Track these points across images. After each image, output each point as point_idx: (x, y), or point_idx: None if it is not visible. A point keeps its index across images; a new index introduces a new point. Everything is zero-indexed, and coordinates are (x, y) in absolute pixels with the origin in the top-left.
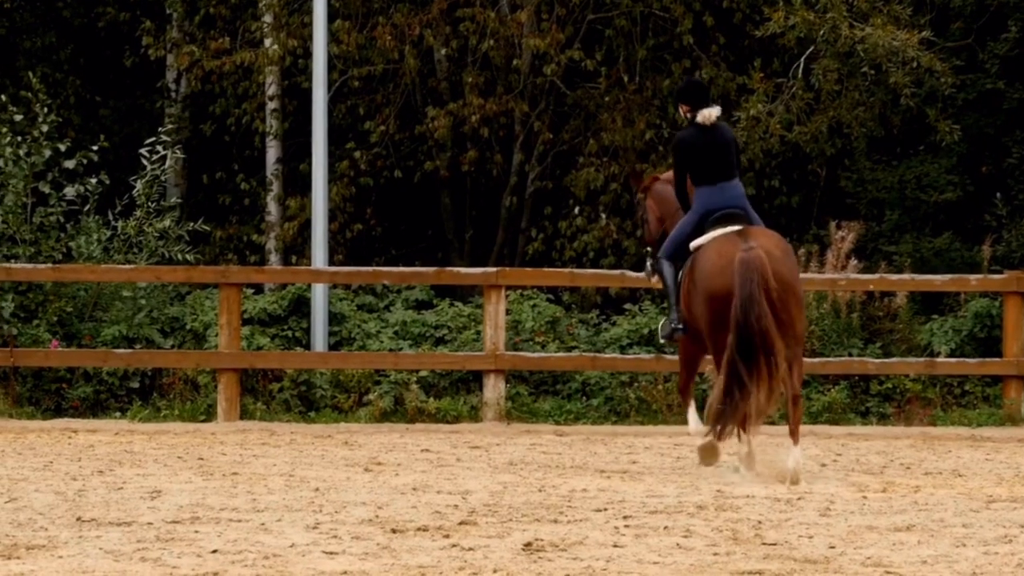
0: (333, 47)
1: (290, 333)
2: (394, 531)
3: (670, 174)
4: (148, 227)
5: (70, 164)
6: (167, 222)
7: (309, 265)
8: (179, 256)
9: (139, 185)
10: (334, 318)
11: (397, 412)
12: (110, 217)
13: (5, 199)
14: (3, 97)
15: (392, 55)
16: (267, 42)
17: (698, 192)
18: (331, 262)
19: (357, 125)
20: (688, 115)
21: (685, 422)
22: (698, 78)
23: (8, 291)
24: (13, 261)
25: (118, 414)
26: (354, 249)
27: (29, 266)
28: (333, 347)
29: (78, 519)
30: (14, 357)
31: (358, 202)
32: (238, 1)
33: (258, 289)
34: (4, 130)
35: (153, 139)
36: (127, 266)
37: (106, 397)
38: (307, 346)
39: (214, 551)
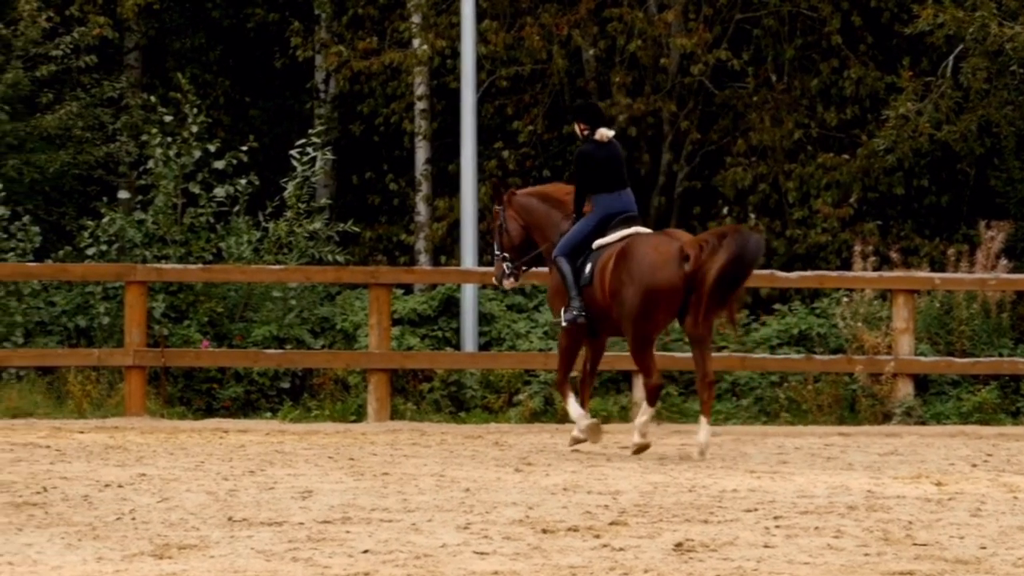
0: (481, 47)
1: (440, 333)
2: (545, 531)
3: (529, 189)
4: (298, 228)
5: (220, 165)
6: (317, 223)
7: (458, 265)
8: (329, 257)
9: (289, 186)
10: (484, 318)
11: (547, 412)
12: (260, 218)
13: (156, 200)
14: (153, 98)
15: (540, 55)
16: (415, 42)
17: (597, 199)
18: (480, 262)
19: (505, 125)
20: (585, 133)
21: (836, 422)
22: (594, 100)
23: (159, 292)
24: (164, 262)
25: (269, 414)
26: None
27: (180, 267)
28: (483, 347)
29: (229, 519)
30: (165, 357)
31: None
32: (386, 1)
33: (408, 289)
34: (154, 131)
35: (303, 140)
36: (277, 267)
37: (257, 397)
38: (457, 346)
39: (365, 551)
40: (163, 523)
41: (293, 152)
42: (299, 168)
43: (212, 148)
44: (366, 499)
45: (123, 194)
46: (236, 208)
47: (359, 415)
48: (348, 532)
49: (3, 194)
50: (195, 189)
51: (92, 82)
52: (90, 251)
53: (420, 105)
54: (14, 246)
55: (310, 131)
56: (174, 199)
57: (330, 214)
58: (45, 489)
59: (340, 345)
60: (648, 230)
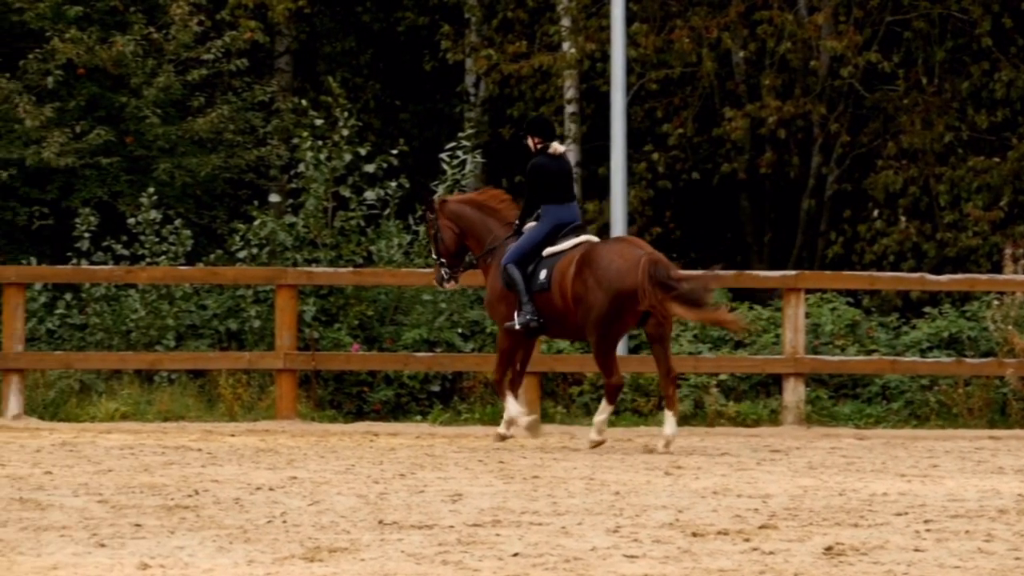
0: (631, 50)
1: None
2: (694, 535)
3: (461, 196)
4: None
5: (370, 168)
6: None
7: None
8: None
9: (439, 189)
10: None
11: (697, 415)
12: (410, 221)
13: (306, 204)
14: (304, 102)
15: (690, 58)
16: (565, 46)
17: (548, 209)
18: None
19: (655, 128)
20: (538, 146)
21: (987, 425)
22: (546, 116)
23: (310, 295)
24: (314, 265)
25: (419, 417)
26: None
27: (330, 270)
28: (633, 351)
29: (380, 522)
30: (316, 360)
31: (657, 205)
32: (536, 5)
33: None
34: (305, 135)
35: (453, 143)
36: (427, 270)
37: (407, 400)
38: None
39: (515, 554)
40: (314, 526)
41: (443, 155)
42: (449, 171)
43: (363, 152)
44: (516, 502)
45: (274, 197)
46: (386, 211)
47: None
48: (498, 535)
49: (155, 198)
50: (345, 192)
51: (243, 86)
52: (241, 254)
53: (570, 108)
54: (166, 250)
55: (460, 134)
56: (324, 203)
57: None
58: (197, 492)
59: (490, 348)
60: (596, 238)
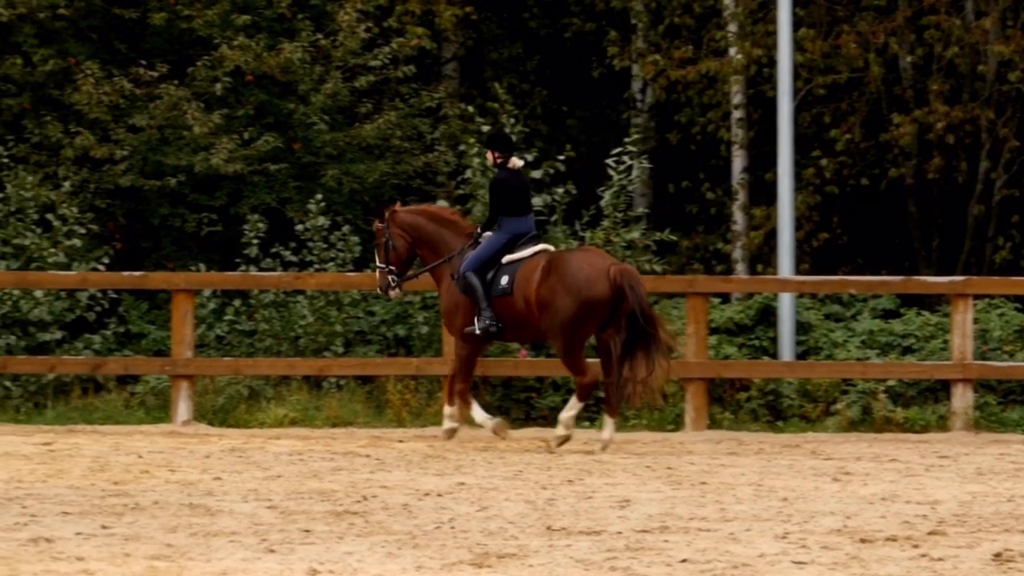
0: (798, 56)
1: (757, 342)
2: (863, 541)
3: (412, 207)
4: (615, 237)
5: (537, 174)
6: (634, 232)
7: (775, 274)
8: (646, 266)
9: (606, 195)
10: (801, 327)
11: (865, 422)
12: (577, 227)
13: (473, 209)
14: (471, 108)
15: (857, 63)
16: (732, 51)
17: (505, 221)
18: (797, 271)
19: (822, 133)
20: (498, 161)
21: None
22: (505, 131)
23: None
24: None
25: (587, 423)
26: (820, 258)
27: None
28: (800, 356)
29: (548, 528)
30: (484, 367)
31: (824, 210)
32: (702, 11)
33: (725, 298)
34: (472, 141)
35: (619, 149)
36: None
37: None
38: (774, 355)
39: (683, 560)
40: (482, 532)
41: (609, 161)
42: (616, 177)
43: (530, 157)
44: (684, 508)
45: (441, 203)
46: (554, 217)
47: (677, 424)
48: (666, 541)
49: (323, 204)
50: None
51: (410, 92)
52: None
53: (736, 114)
54: (334, 256)
55: (626, 140)
56: None
57: (647, 223)
58: (365, 498)
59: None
60: (553, 248)
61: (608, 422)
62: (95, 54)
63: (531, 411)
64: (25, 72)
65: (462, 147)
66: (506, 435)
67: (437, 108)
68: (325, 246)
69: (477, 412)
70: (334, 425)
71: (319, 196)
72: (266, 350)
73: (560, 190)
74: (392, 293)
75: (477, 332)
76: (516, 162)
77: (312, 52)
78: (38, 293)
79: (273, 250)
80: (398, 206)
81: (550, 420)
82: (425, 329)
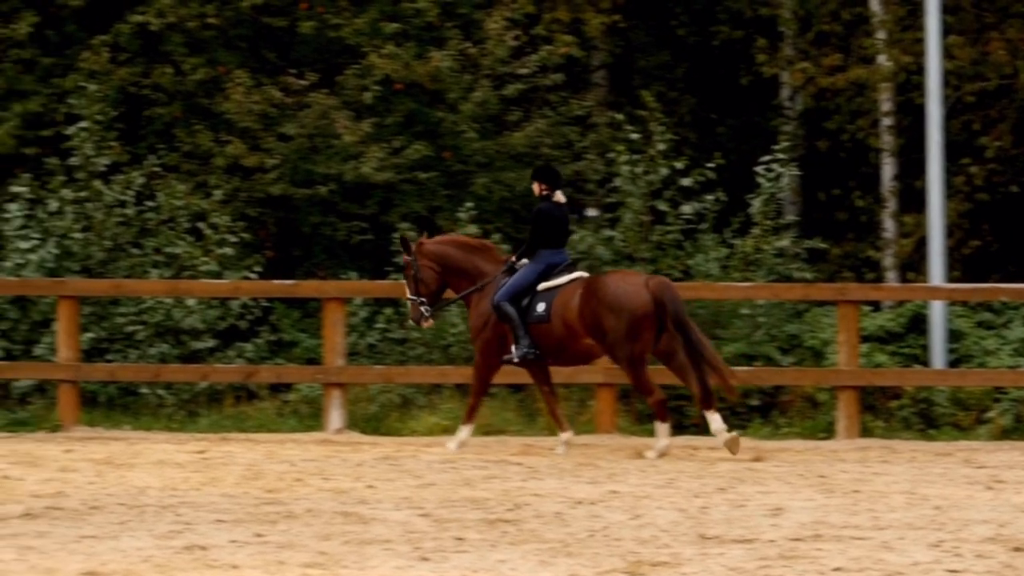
0: (946, 63)
1: (908, 350)
2: (1016, 549)
3: (439, 238)
4: (765, 245)
5: (687, 182)
6: (784, 240)
7: (926, 282)
8: (796, 274)
9: (755, 203)
10: (952, 335)
11: (1018, 430)
12: (727, 235)
13: (623, 218)
14: (620, 116)
15: (1006, 70)
16: (880, 58)
17: (543, 252)
18: (948, 278)
19: (972, 140)
20: (544, 192)
21: None
22: (553, 164)
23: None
24: None
25: (739, 431)
26: (971, 265)
27: None
28: (952, 364)
29: (701, 536)
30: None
31: (974, 218)
32: (851, 18)
33: (875, 306)
34: (621, 148)
35: (768, 157)
36: (745, 284)
37: (726, 415)
38: (925, 363)
39: (836, 569)
40: (635, 540)
41: (759, 169)
42: (765, 185)
43: (679, 165)
44: (837, 516)
45: (591, 211)
46: (703, 225)
47: (828, 432)
48: (819, 550)
49: (473, 212)
50: (662, 206)
51: (559, 100)
52: None
53: (886, 121)
54: None
55: (775, 147)
56: (642, 216)
57: (797, 231)
58: (518, 506)
59: (809, 362)
60: (586, 274)
61: (661, 428)
62: (244, 63)
63: (682, 419)
64: (176, 81)
65: (611, 155)
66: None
67: (586, 116)
68: None
69: (464, 431)
70: (486, 433)
71: (469, 204)
72: (418, 358)
73: (710, 198)
74: (425, 324)
75: (516, 360)
76: (560, 196)
77: (461, 60)
78: (191, 302)
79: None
80: (424, 237)
81: (701, 429)
82: None
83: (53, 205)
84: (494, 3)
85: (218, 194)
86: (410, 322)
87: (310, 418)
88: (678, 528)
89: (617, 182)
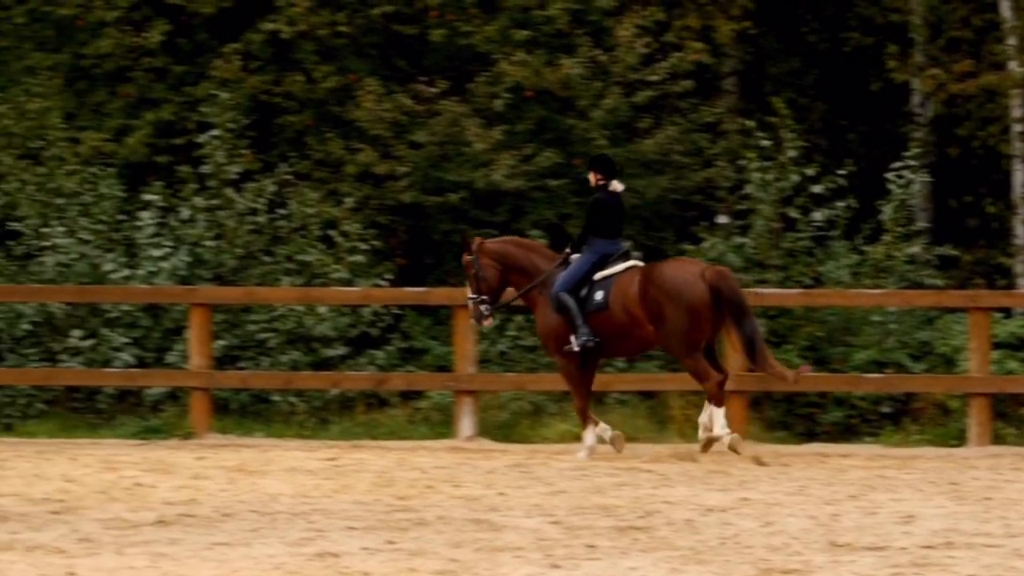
0: None
1: None
2: None
3: (496, 239)
4: (896, 251)
5: (817, 189)
6: (915, 247)
7: None
8: (927, 280)
9: (886, 210)
10: None
11: None
12: (857, 241)
13: (754, 225)
14: (750, 123)
15: None
16: (1011, 64)
17: (597, 241)
18: None
19: None
20: (600, 182)
21: None
22: (608, 155)
23: (758, 316)
24: (763, 286)
25: (869, 439)
26: None
27: (779, 291)
28: None
29: (832, 544)
30: (766, 382)
31: None
32: (982, 24)
33: (1007, 313)
34: (752, 156)
35: (899, 163)
36: (876, 291)
37: (857, 422)
38: None
39: None
40: (766, 547)
41: (889, 175)
42: (896, 191)
43: (810, 172)
44: (968, 524)
45: (722, 219)
46: (834, 232)
47: (960, 439)
48: (951, 557)
49: None
50: (793, 213)
51: (689, 107)
52: None
53: (1017, 127)
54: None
55: (905, 154)
56: (772, 223)
57: (928, 238)
58: (649, 513)
59: (940, 369)
60: (641, 263)
61: (717, 414)
62: (375, 71)
63: (814, 426)
64: (307, 89)
65: (742, 162)
66: (622, 448)
67: (716, 123)
68: None
69: (588, 436)
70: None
71: None
72: (549, 365)
73: (840, 204)
74: (485, 322)
75: (576, 348)
76: (617, 186)
77: (591, 67)
78: (322, 309)
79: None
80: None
81: (833, 436)
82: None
83: (185, 213)
84: (624, 10)
85: (349, 202)
86: (471, 321)
87: (441, 425)
88: (809, 535)
89: (748, 189)
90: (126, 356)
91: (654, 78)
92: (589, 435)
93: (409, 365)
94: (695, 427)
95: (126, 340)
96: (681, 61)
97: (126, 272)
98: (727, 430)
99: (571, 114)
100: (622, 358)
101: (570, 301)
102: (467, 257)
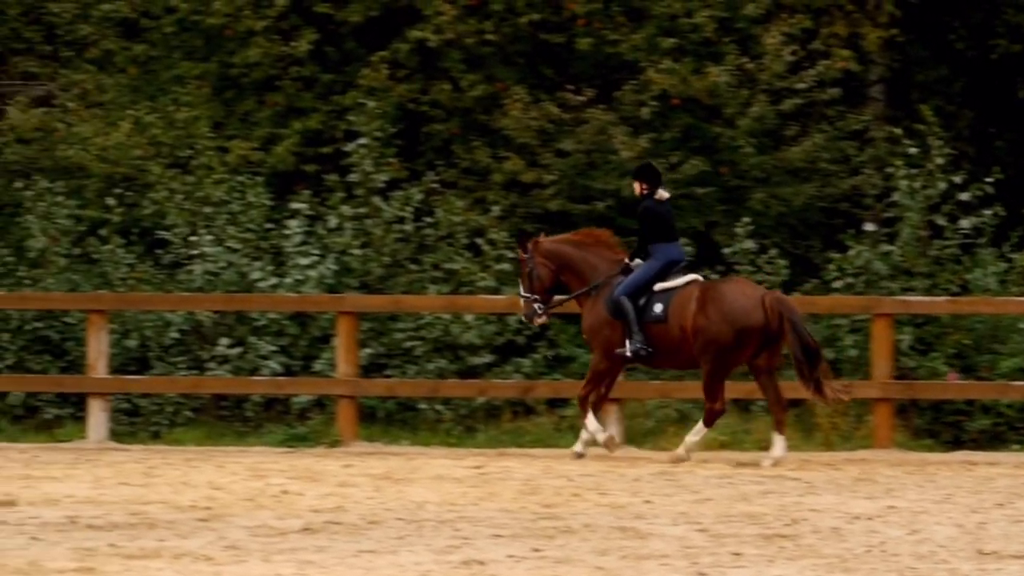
0: None
1: None
2: None
3: (555, 237)
4: None
5: (965, 196)
6: None
7: None
8: None
9: None
10: None
11: None
12: (1005, 249)
13: (901, 232)
14: (898, 130)
15: None
16: None
17: (659, 247)
18: None
19: None
20: (645, 191)
21: None
22: (653, 163)
23: (905, 324)
24: (910, 294)
25: (1016, 446)
26: None
27: (926, 299)
28: None
29: (979, 552)
30: (913, 390)
31: None
32: None
33: None
34: (899, 163)
35: None
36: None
37: (1004, 430)
38: None
39: None
40: (912, 555)
41: None
42: None
43: (957, 180)
44: None
45: (869, 227)
46: (981, 239)
47: None
48: None
49: (750, 227)
50: (940, 221)
51: (836, 115)
52: (836, 284)
53: None
54: (761, 279)
55: None
56: (920, 231)
57: None
58: (795, 521)
59: None
60: (701, 278)
61: (778, 439)
62: (522, 79)
63: (960, 434)
64: (453, 98)
65: (888, 169)
66: (615, 450)
67: (863, 130)
68: (753, 269)
69: (591, 423)
70: (763, 448)
71: (746, 219)
72: (695, 374)
73: (988, 212)
74: (538, 321)
75: (628, 354)
76: (662, 194)
77: (738, 75)
78: (468, 317)
79: (701, 273)
80: (542, 236)
81: (980, 443)
82: (854, 352)
83: (332, 221)
84: (772, 18)
85: (496, 210)
86: (522, 319)
87: None
88: (956, 543)
89: (895, 197)
90: (273, 364)
91: (801, 86)
92: (591, 421)
93: (555, 373)
94: (841, 435)
95: (273, 348)
96: (828, 69)
97: (273, 280)
98: (692, 450)
99: (717, 122)
100: (666, 370)
101: (629, 307)
102: (522, 256)
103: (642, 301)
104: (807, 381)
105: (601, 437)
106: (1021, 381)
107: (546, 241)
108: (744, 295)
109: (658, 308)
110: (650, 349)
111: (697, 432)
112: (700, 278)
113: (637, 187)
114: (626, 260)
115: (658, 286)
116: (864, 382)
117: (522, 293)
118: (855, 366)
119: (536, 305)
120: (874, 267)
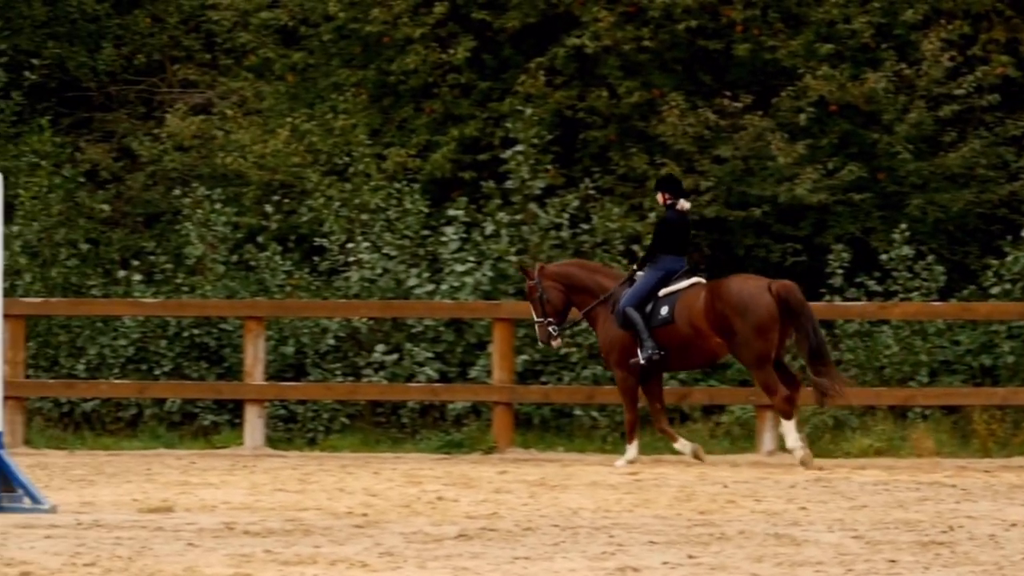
0: None
1: None
2: None
3: (558, 263)
4: None
5: None
6: None
7: None
8: None
9: None
10: None
11: None
12: None
13: None
14: None
15: None
16: None
17: (662, 258)
18: None
19: None
20: (668, 201)
21: None
22: (675, 174)
23: None
24: None
25: None
26: None
27: None
28: None
29: None
30: (1018, 396)
31: None
32: None
33: None
34: None
35: None
36: None
37: None
38: None
39: None
40: None
41: None
42: None
43: None
44: None
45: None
46: None
47: None
48: None
49: (907, 234)
50: None
51: (995, 120)
52: (994, 290)
53: None
54: (918, 285)
55: None
56: None
57: None
58: (951, 528)
59: None
60: (704, 280)
61: (788, 426)
62: (679, 85)
63: None
64: (610, 104)
65: None
66: (703, 459)
67: (1022, 136)
68: (910, 275)
69: (631, 450)
70: (920, 455)
71: (903, 226)
72: (851, 379)
73: None
74: (555, 343)
75: (642, 361)
76: (684, 204)
77: (896, 81)
78: None
79: (857, 279)
80: (542, 263)
81: None
82: (1011, 358)
83: (489, 228)
84: (930, 24)
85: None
86: (540, 343)
87: (743, 440)
88: None
89: None
90: (429, 371)
91: (959, 91)
92: (632, 450)
93: (712, 379)
94: (998, 442)
95: (429, 355)
96: (987, 74)
97: (430, 287)
98: (800, 444)
99: (875, 128)
100: (685, 371)
101: (636, 316)
102: (530, 283)
103: (648, 308)
104: (818, 373)
105: (688, 449)
106: None
107: (551, 266)
108: (749, 285)
109: (664, 311)
110: (662, 352)
111: (789, 431)
112: (703, 280)
113: (660, 197)
114: (635, 267)
115: (662, 291)
116: (1018, 389)
117: (535, 318)
118: (1013, 372)
119: (551, 328)
120: None
